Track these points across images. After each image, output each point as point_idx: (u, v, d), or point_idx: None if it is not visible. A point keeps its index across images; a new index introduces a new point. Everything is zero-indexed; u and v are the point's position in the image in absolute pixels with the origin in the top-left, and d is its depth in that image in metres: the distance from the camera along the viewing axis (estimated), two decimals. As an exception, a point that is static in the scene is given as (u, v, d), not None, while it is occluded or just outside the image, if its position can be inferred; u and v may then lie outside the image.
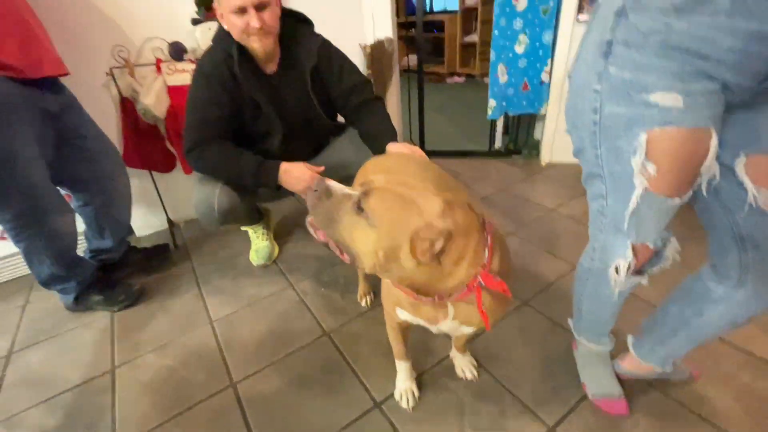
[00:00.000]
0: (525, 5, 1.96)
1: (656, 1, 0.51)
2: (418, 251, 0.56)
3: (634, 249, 0.69)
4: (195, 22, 1.66)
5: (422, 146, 2.49)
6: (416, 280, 0.61)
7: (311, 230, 0.65)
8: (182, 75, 1.63)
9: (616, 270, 0.72)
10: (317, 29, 1.36)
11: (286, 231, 1.80)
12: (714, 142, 0.57)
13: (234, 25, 1.13)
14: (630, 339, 0.94)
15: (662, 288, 0.89)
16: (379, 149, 1.21)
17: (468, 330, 0.74)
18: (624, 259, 0.70)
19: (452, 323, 0.71)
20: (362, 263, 0.61)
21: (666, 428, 0.88)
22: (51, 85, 1.19)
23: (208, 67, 1.20)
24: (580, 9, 1.83)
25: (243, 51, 1.19)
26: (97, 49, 1.52)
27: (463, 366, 1.04)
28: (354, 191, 0.60)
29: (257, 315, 1.32)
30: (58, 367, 1.19)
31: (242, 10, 1.10)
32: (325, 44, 1.31)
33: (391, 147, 1.18)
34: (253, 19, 1.11)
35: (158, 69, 1.60)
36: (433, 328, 0.76)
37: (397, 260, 0.58)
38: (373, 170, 0.99)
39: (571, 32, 1.90)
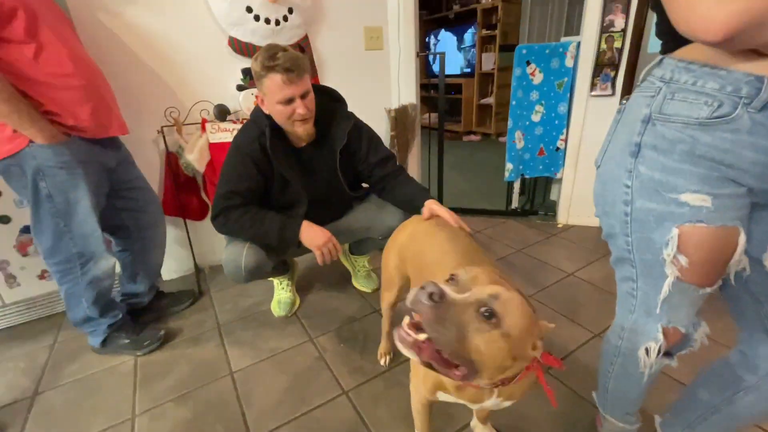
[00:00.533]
0: (541, 79, 2.11)
1: (682, 116, 0.57)
2: (536, 349, 0.57)
3: (664, 332, 0.70)
4: (240, 88, 1.84)
5: (440, 202, 2.56)
6: (512, 373, 0.59)
7: (407, 350, 0.53)
8: (224, 134, 1.78)
9: (647, 352, 0.73)
10: (348, 94, 1.46)
11: (307, 282, 1.85)
12: (742, 239, 0.60)
13: (280, 112, 1.22)
14: (658, 420, 0.92)
15: (690, 365, 0.89)
16: (416, 210, 1.27)
17: (508, 404, 0.73)
18: (655, 342, 0.71)
19: (496, 400, 0.71)
20: (486, 373, 0.54)
21: None
22: (113, 142, 1.33)
23: (242, 143, 1.29)
24: (592, 87, 1.96)
25: (275, 129, 1.28)
26: (152, 110, 1.69)
27: (484, 437, 1.03)
28: (474, 295, 0.53)
29: (277, 369, 1.33)
30: (80, 412, 1.21)
31: (290, 101, 1.20)
32: (356, 125, 1.39)
33: (430, 204, 1.21)
34: (299, 107, 1.20)
35: (203, 128, 1.76)
36: (475, 406, 0.75)
37: (516, 361, 0.56)
38: (407, 236, 1.06)
39: (585, 105, 2.02)
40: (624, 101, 0.69)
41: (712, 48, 0.54)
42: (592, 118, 2.04)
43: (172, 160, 1.76)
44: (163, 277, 1.92)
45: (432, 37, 5.61)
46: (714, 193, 0.58)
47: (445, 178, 2.57)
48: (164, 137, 1.71)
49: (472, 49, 5.00)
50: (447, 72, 5.37)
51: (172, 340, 1.50)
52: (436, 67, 5.24)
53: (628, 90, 1.95)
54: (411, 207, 1.31)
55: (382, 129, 2.29)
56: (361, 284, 1.76)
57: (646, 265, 0.68)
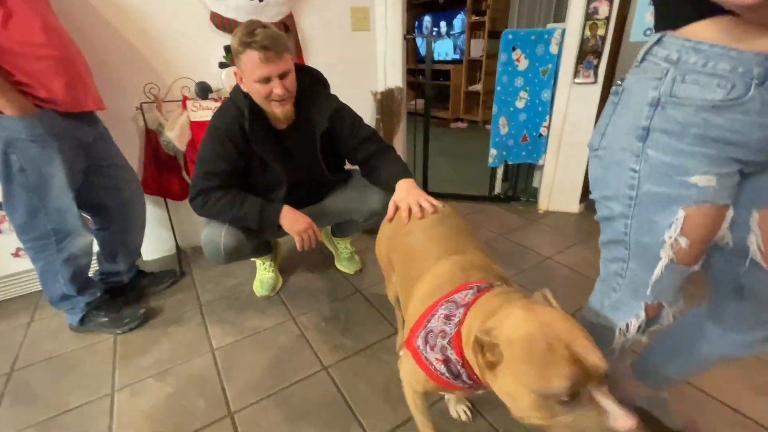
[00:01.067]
0: (526, 65, 2.12)
1: (695, 99, 0.56)
2: None
3: (646, 308, 0.73)
4: (222, 65, 1.80)
5: (425, 188, 2.59)
6: None
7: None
8: (206, 112, 1.75)
9: (627, 327, 0.75)
10: (334, 75, 1.44)
11: (290, 263, 1.85)
12: (729, 214, 0.63)
13: (257, 91, 1.19)
14: (629, 360, 0.99)
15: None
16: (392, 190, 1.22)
17: None
18: (636, 319, 0.74)
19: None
20: None
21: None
22: (88, 117, 1.30)
23: (220, 122, 1.26)
24: (576, 74, 1.99)
25: (255, 109, 1.25)
26: (130, 86, 1.64)
27: (458, 409, 1.06)
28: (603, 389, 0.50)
29: (258, 346, 1.34)
30: (58, 389, 1.20)
31: (267, 80, 1.17)
32: (338, 108, 1.37)
33: (395, 195, 1.15)
34: (277, 87, 1.17)
35: (184, 105, 1.72)
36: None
37: None
38: (395, 221, 1.04)
39: (568, 93, 2.05)
40: (619, 82, 0.68)
41: (721, 26, 0.54)
42: (575, 106, 2.07)
43: (152, 138, 1.72)
44: (144, 257, 1.90)
45: (420, 21, 5.55)
46: (718, 172, 0.59)
47: (431, 164, 2.59)
48: (143, 114, 1.67)
49: (462, 36, 4.98)
50: (436, 58, 5.34)
51: (153, 318, 1.50)
52: (425, 52, 5.26)
53: (609, 78, 1.98)
54: (390, 185, 1.25)
55: (367, 112, 2.28)
56: (343, 266, 1.78)
57: (642, 248, 0.69)
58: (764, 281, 0.69)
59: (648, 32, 1.78)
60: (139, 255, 1.63)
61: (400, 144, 2.48)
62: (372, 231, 2.05)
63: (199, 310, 1.54)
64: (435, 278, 0.76)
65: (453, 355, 0.64)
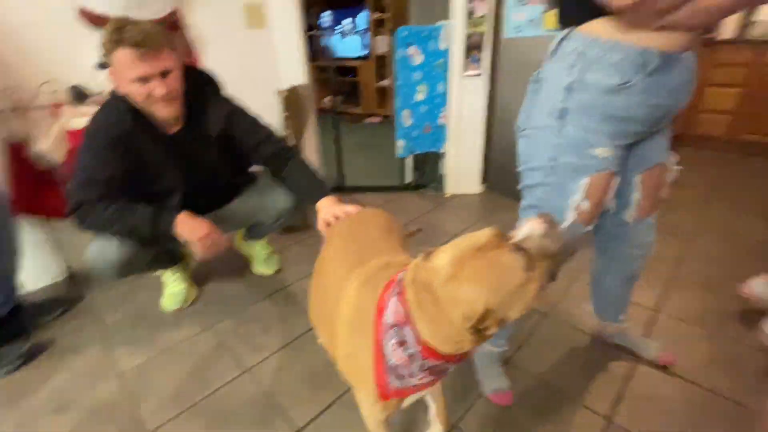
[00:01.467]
0: (422, 60, 2.28)
1: (599, 85, 0.72)
2: None
3: None
4: (102, 66, 1.64)
5: (341, 183, 2.64)
6: None
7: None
8: (84, 119, 1.58)
9: None
10: (232, 76, 1.40)
11: (204, 273, 1.77)
12: (617, 181, 0.82)
13: (136, 92, 1.09)
14: (590, 307, 1.23)
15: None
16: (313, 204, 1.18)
17: None
18: None
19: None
20: None
21: (545, 413, 1.07)
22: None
23: (99, 125, 1.15)
24: (465, 67, 2.18)
25: (137, 112, 1.16)
26: (-18, 92, 1.42)
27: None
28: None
29: (172, 361, 1.28)
30: None
31: (144, 80, 1.08)
32: (232, 111, 1.32)
33: (322, 205, 1.13)
34: (158, 87, 1.09)
35: (56, 112, 1.54)
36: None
37: None
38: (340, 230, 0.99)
39: (458, 84, 2.24)
40: (539, 71, 0.84)
41: (612, 24, 0.69)
42: (467, 96, 2.27)
43: (18, 151, 1.51)
44: (27, 287, 1.66)
45: (325, 17, 5.55)
46: (614, 144, 0.77)
47: (346, 159, 2.64)
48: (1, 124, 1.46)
49: (367, 33, 5.09)
50: (343, 55, 5.39)
51: (43, 353, 1.34)
52: (336, 49, 5.28)
53: (493, 70, 2.21)
54: (308, 201, 1.21)
55: (272, 111, 2.25)
56: (261, 268, 1.75)
57: (554, 211, 0.83)
58: (629, 229, 0.96)
59: (517, 30, 2.03)
60: (15, 286, 1.42)
61: (311, 142, 2.49)
62: (290, 229, 2.06)
63: (101, 335, 1.41)
64: (347, 305, 0.73)
65: (434, 362, 0.63)
